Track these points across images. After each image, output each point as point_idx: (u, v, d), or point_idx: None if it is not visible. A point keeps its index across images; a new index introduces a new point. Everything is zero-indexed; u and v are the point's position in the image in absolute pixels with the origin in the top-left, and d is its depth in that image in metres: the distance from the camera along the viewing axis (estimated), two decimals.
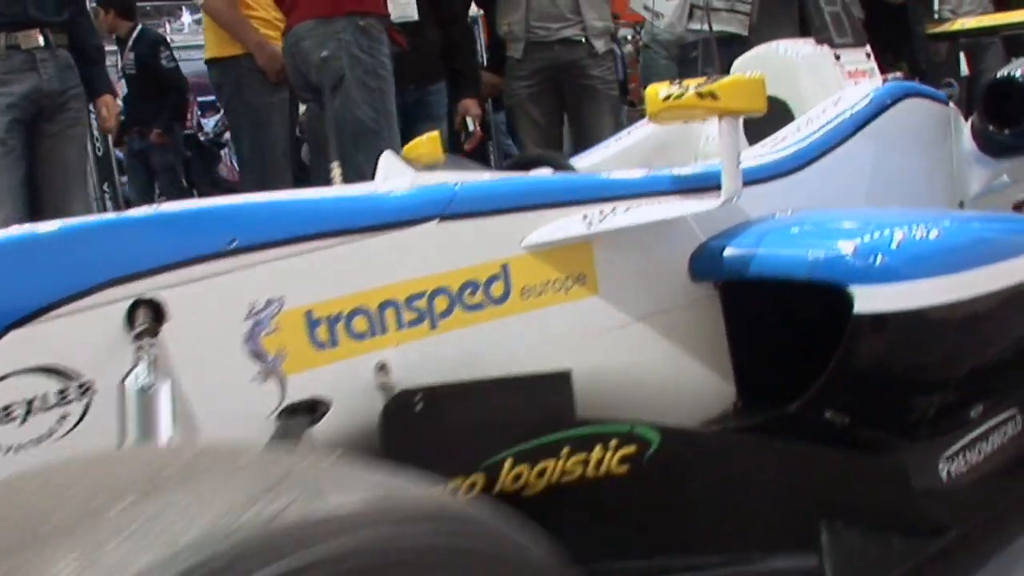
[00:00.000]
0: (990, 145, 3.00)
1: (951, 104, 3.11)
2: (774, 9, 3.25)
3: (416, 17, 4.90)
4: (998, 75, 2.92)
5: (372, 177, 3.29)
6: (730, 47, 5.31)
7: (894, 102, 2.85)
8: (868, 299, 2.00)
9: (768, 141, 2.67)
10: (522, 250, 2.09)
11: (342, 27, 4.04)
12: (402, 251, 1.98)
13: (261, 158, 4.77)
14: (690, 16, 5.32)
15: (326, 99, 4.22)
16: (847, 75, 3.12)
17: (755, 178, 2.45)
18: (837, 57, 3.12)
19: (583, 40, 5.12)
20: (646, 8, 5.63)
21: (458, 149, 5.35)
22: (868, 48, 3.25)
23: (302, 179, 5.62)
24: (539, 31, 5.15)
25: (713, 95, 2.06)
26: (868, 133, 2.75)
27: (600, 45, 5.15)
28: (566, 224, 2.12)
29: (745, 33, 5.41)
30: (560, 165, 2.74)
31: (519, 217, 2.10)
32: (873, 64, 3.24)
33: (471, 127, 5.20)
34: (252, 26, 4.66)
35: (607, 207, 2.17)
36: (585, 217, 2.14)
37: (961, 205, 3.08)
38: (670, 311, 2.27)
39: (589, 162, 3.19)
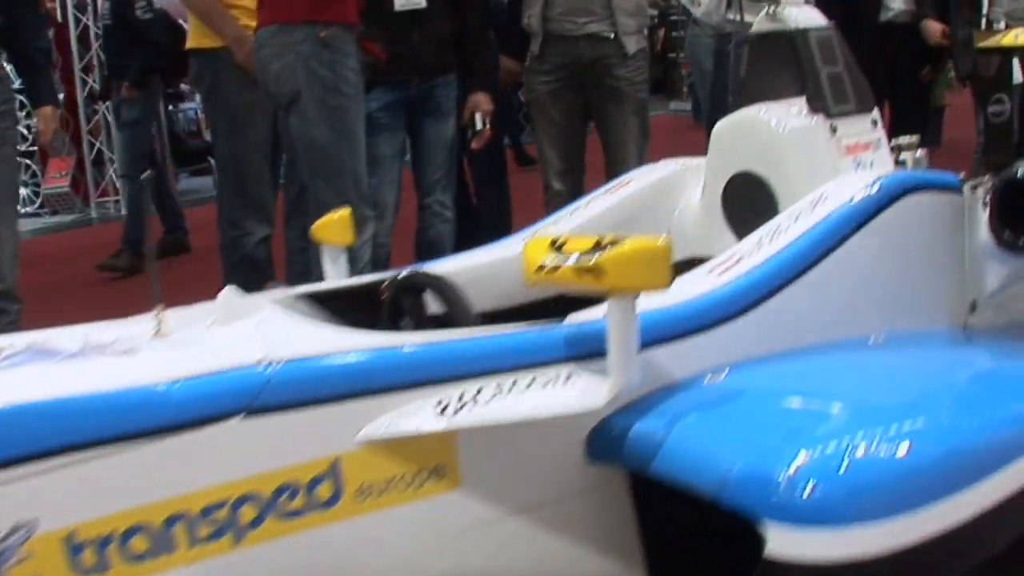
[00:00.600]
0: (1008, 245, 2.50)
1: (966, 189, 2.60)
2: (766, 58, 2.76)
3: (423, 4, 4.51)
4: (1017, 172, 2.40)
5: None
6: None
7: (891, 201, 2.37)
8: (785, 542, 1.57)
9: (722, 259, 2.21)
10: (357, 444, 1.69)
11: (300, 38, 3.64)
12: (194, 455, 1.60)
13: (238, 161, 4.39)
14: (728, 5, 4.77)
15: (281, 116, 3.89)
16: (845, 150, 2.64)
17: (691, 326, 2.01)
18: (834, 129, 2.63)
19: (612, 36, 4.61)
20: None
21: (466, 147, 4.92)
22: (875, 113, 2.75)
23: None
24: (565, 23, 4.64)
25: (597, 271, 1.63)
26: (853, 246, 2.28)
27: (631, 44, 4.62)
28: (415, 414, 1.72)
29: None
30: (447, 296, 2.30)
31: (354, 405, 1.70)
32: (880, 134, 2.74)
33: (479, 125, 4.75)
34: (231, 18, 4.25)
35: (471, 388, 1.76)
36: (440, 403, 1.73)
37: (973, 307, 2.59)
38: (561, 501, 1.86)
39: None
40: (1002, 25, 4.88)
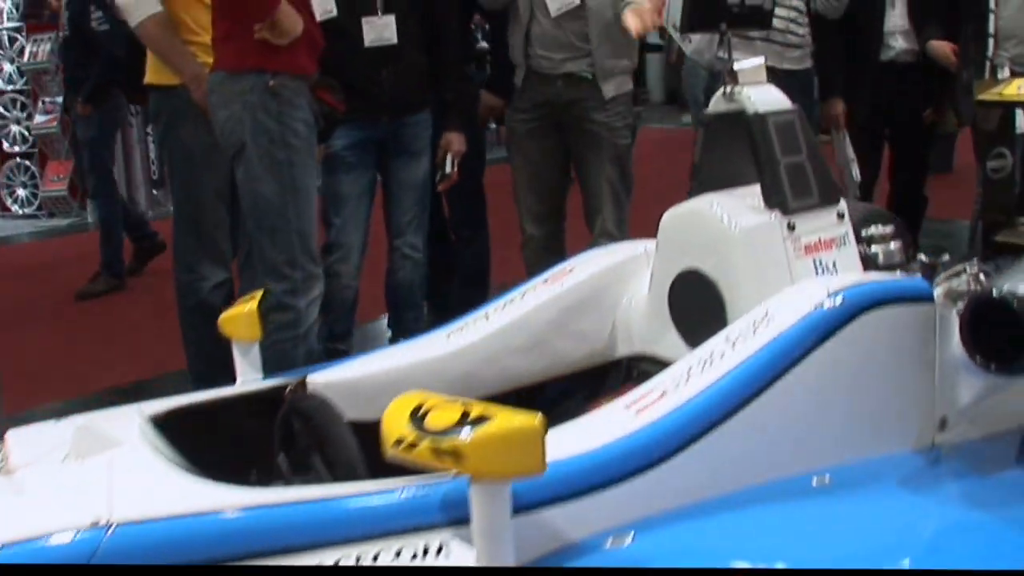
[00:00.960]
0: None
1: (938, 293, 2.34)
2: (723, 141, 2.51)
3: (395, 40, 4.30)
4: (991, 291, 2.14)
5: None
6: (783, 83, 4.57)
7: (851, 319, 2.11)
8: None
9: (643, 392, 1.96)
10: None
11: (248, 86, 3.42)
12: None
13: (194, 203, 4.18)
14: (720, 42, 4.50)
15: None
16: (803, 250, 2.37)
17: (598, 480, 1.77)
18: (791, 227, 2.37)
19: (590, 78, 4.35)
20: (674, 27, 4.82)
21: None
22: (842, 206, 2.48)
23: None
24: (543, 60, 4.40)
25: (458, 455, 1.39)
26: (802, 372, 2.03)
27: (610, 88, 4.34)
28: None
29: (782, 66, 4.64)
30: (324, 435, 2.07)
31: None
32: (845, 228, 2.48)
33: (448, 167, 4.52)
34: (189, 55, 4.02)
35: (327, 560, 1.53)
36: None
37: (943, 424, 2.33)
38: None
39: (464, 340, 2.52)
40: (1006, 72, 4.60)
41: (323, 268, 4.31)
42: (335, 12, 3.83)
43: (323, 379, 2.45)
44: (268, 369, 3.58)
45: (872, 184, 5.21)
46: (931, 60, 4.86)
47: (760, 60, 2.48)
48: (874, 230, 2.62)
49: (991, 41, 4.60)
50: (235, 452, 2.31)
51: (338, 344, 4.54)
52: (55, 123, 9.98)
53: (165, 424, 2.13)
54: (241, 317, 2.45)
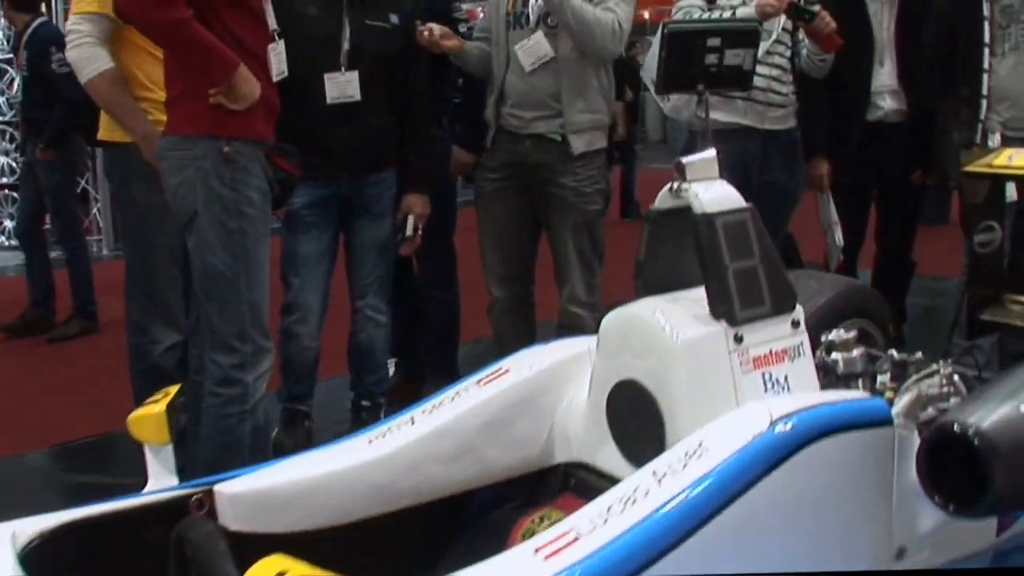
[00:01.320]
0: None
1: (899, 409, 2.16)
2: (670, 239, 2.33)
3: (358, 97, 4.14)
4: (952, 425, 1.94)
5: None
6: (744, 141, 4.39)
7: (795, 450, 1.92)
8: None
9: (555, 534, 1.77)
10: None
11: (202, 152, 3.27)
12: None
13: (146, 264, 4.02)
14: (699, 102, 4.33)
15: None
16: (752, 364, 2.18)
17: None
18: (739, 339, 2.18)
19: (559, 139, 4.16)
20: (652, 82, 4.65)
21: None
22: (798, 313, 2.29)
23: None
24: (512, 119, 4.22)
25: None
26: (739, 511, 1.84)
27: (579, 144, 4.14)
28: None
29: (763, 126, 4.49)
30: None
31: None
32: (800, 338, 2.30)
33: (409, 230, 4.34)
34: (140, 113, 3.86)
35: None
36: None
37: (901, 553, 2.14)
38: None
39: (385, 447, 2.34)
40: (997, 137, 4.40)
41: (282, 328, 4.20)
42: (286, 72, 3.66)
43: (232, 489, 2.28)
44: (212, 446, 3.47)
45: (858, 248, 5.00)
46: (921, 119, 4.65)
47: (711, 153, 2.29)
48: (835, 335, 2.44)
49: (983, 103, 4.41)
50: (131, 571, 2.14)
51: (298, 405, 4.41)
52: None
53: (42, 550, 1.95)
54: (149, 419, 2.28)
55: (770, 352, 2.23)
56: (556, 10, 4.00)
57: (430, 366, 4.99)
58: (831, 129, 4.79)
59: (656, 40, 4.42)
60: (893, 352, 2.87)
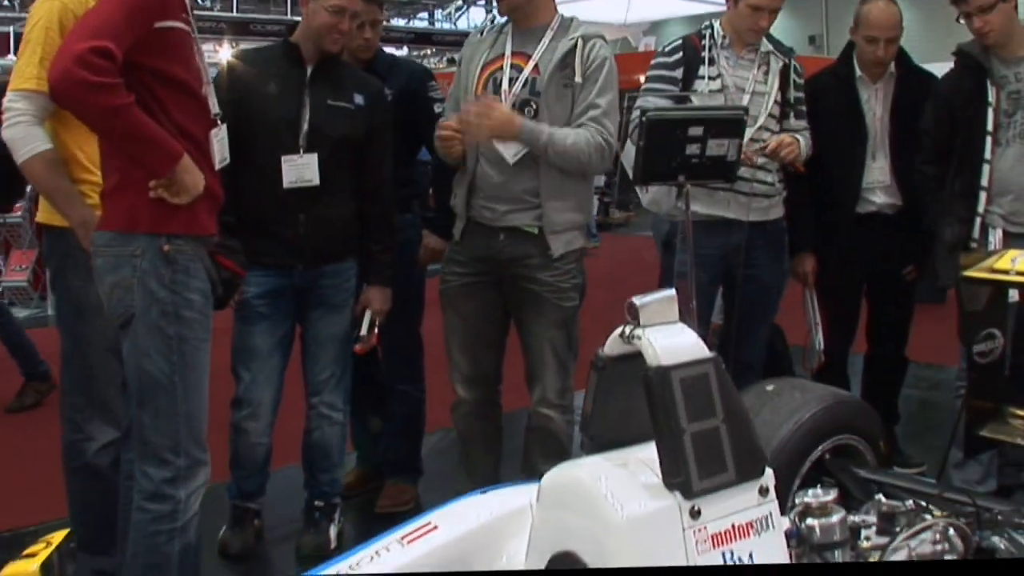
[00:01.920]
0: None
1: None
2: (621, 388, 2.04)
3: (316, 182, 3.91)
4: None
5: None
6: (727, 234, 4.15)
7: None
8: None
9: None
10: None
11: (140, 249, 3.06)
12: None
13: (83, 356, 3.76)
14: (679, 194, 4.08)
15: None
16: (710, 542, 1.89)
17: None
18: (696, 513, 1.89)
19: (536, 232, 3.87)
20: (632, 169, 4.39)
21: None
22: (767, 478, 2.00)
23: None
24: (485, 211, 3.92)
25: None
26: None
27: (558, 246, 3.84)
28: None
29: (764, 218, 4.27)
30: None
31: None
32: (770, 507, 2.01)
33: (363, 329, 4.08)
34: (77, 197, 3.59)
35: None
36: None
37: None
38: None
39: None
40: (999, 233, 4.10)
41: (232, 423, 4.01)
42: (229, 160, 3.41)
43: None
44: (138, 565, 3.20)
45: (847, 347, 4.73)
46: (914, 213, 4.38)
47: (670, 293, 2.00)
48: (811, 496, 2.15)
49: (983, 195, 4.12)
50: None
51: (248, 503, 4.20)
52: (20, 212, 9.65)
53: None
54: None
55: (733, 527, 1.95)
56: (541, 153, 3.75)
57: (392, 462, 4.70)
58: (819, 224, 4.53)
59: (631, 121, 4.21)
60: (880, 498, 2.60)
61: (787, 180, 4.44)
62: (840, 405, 3.29)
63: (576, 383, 3.98)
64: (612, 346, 2.05)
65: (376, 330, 4.11)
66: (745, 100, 4.19)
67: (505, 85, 3.84)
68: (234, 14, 13.71)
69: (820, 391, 3.35)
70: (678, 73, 4.27)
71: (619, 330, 2.01)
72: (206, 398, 3.28)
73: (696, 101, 4.10)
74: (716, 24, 4.33)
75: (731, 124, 3.77)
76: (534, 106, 3.80)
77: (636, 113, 4.13)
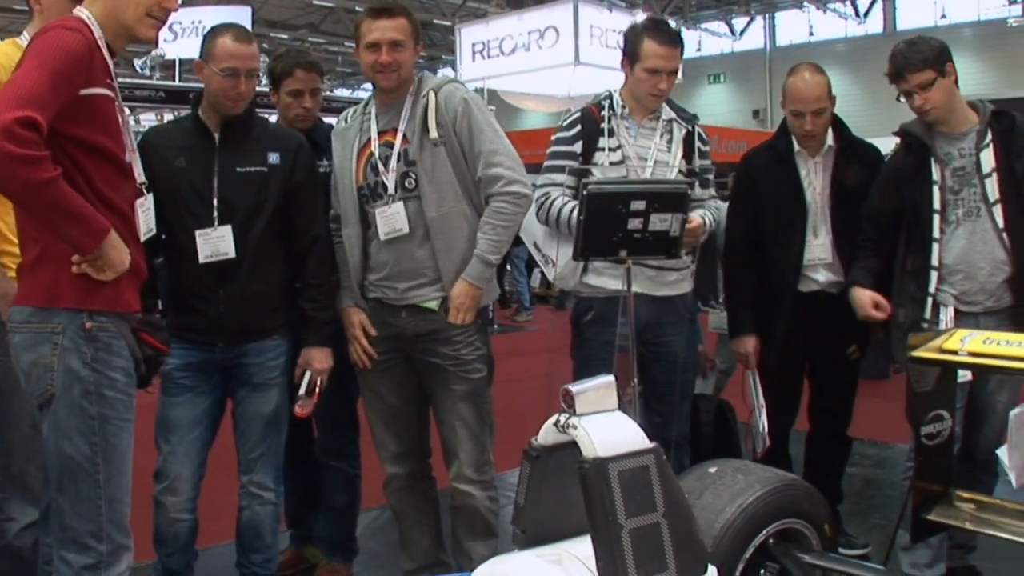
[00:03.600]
0: None
1: None
2: (555, 479, 1.94)
3: (232, 255, 3.79)
4: None
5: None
6: (636, 308, 4.04)
7: None
8: None
9: None
10: None
11: (61, 326, 2.95)
12: None
13: (1, 432, 3.57)
14: (584, 270, 4.05)
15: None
16: None
17: None
18: None
19: (435, 307, 3.83)
20: (536, 247, 4.34)
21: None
22: (711, 573, 1.90)
23: None
24: (385, 289, 3.89)
25: None
26: None
27: (472, 274, 3.79)
28: None
29: (672, 292, 4.25)
30: None
31: None
32: None
33: (302, 389, 3.94)
34: None
35: None
36: None
37: None
38: None
39: None
40: (950, 311, 4.04)
41: (153, 496, 3.86)
42: (155, 231, 3.31)
43: None
44: None
45: (789, 427, 4.66)
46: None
47: (609, 379, 1.90)
48: None
49: (934, 275, 4.06)
50: None
51: None
52: None
53: None
54: None
55: None
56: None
57: (326, 542, 4.56)
58: (761, 303, 4.47)
59: (535, 198, 4.13)
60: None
61: (725, 263, 4.41)
62: (784, 488, 3.23)
63: (505, 459, 3.92)
64: (546, 435, 1.95)
65: (318, 391, 3.95)
66: (648, 170, 4.13)
67: (381, 166, 3.83)
68: (176, 83, 13.59)
69: (764, 473, 3.28)
70: (577, 147, 4.19)
71: (554, 418, 1.92)
72: (129, 480, 3.16)
73: (596, 174, 4.02)
74: (615, 94, 4.25)
75: (674, 198, 3.71)
76: (413, 176, 3.78)
77: (542, 192, 4.15)
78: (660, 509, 1.85)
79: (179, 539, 3.92)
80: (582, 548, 1.88)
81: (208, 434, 3.95)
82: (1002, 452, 3.56)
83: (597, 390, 1.91)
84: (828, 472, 4.66)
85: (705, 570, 1.91)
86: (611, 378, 1.94)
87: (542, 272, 14.30)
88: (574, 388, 1.89)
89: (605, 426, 1.88)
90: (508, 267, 12.58)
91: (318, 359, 3.98)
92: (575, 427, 1.87)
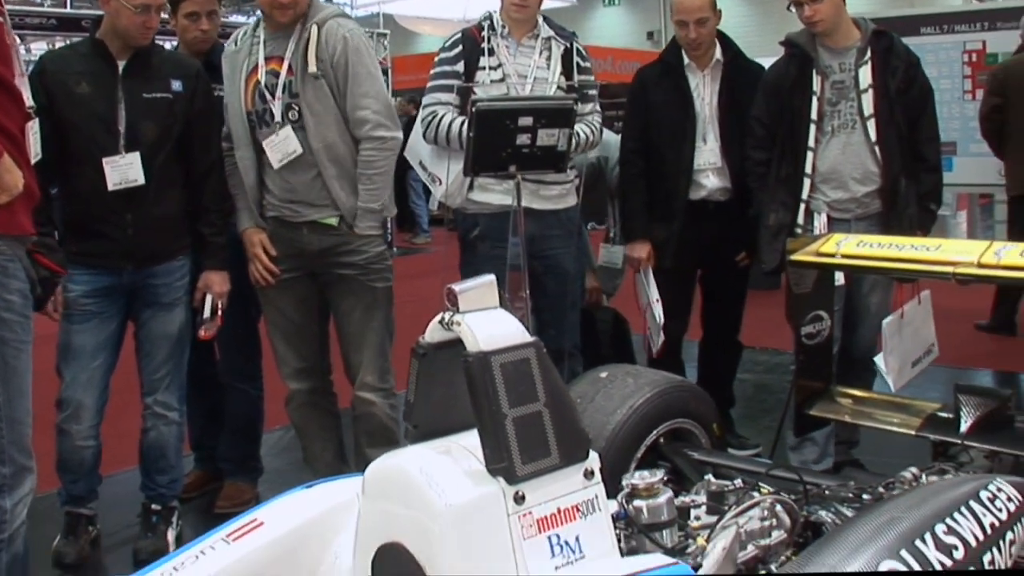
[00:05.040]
0: None
1: (711, 562, 1.89)
2: (443, 375, 2.02)
3: (141, 181, 3.80)
4: None
5: None
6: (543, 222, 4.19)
7: None
8: None
9: None
10: None
11: None
12: None
13: None
14: (471, 185, 4.13)
15: None
16: (536, 526, 1.89)
17: None
18: (520, 498, 1.88)
19: (336, 222, 3.91)
20: (421, 166, 4.40)
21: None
22: (592, 461, 2.01)
23: None
24: (283, 210, 3.96)
25: None
26: None
27: (365, 224, 3.90)
28: None
29: (556, 206, 4.30)
30: None
31: None
32: (596, 490, 2.01)
33: (206, 312, 3.99)
34: None
35: None
36: None
37: None
38: None
39: None
40: (823, 217, 4.21)
41: (56, 424, 3.86)
42: (41, 155, 3.29)
43: None
44: None
45: (682, 331, 4.79)
46: (746, 198, 4.46)
47: (489, 278, 1.99)
48: (638, 478, 2.16)
49: (807, 182, 4.22)
50: None
51: (80, 509, 4.05)
52: None
53: None
54: None
55: (558, 511, 1.94)
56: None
57: (230, 462, 4.61)
58: (652, 208, 4.59)
59: (420, 118, 4.24)
60: (710, 478, 2.63)
61: (620, 169, 4.51)
62: (673, 390, 3.32)
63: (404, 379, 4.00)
64: (432, 333, 2.03)
65: (220, 313, 4.01)
66: (527, 87, 4.20)
67: (267, 94, 3.86)
68: (67, 10, 13.17)
69: (653, 376, 3.38)
70: (459, 67, 4.25)
71: (439, 317, 1.99)
72: (29, 402, 3.14)
73: (479, 92, 4.06)
74: (495, 14, 4.31)
75: (560, 113, 3.77)
76: (297, 108, 3.83)
77: (428, 111, 4.20)
78: (541, 399, 1.94)
79: (84, 466, 3.94)
80: (469, 440, 1.97)
81: (111, 360, 3.96)
82: (879, 359, 3.71)
83: (479, 289, 1.98)
84: (720, 377, 4.82)
85: (587, 456, 2.00)
86: (492, 277, 2.02)
87: None
88: (456, 287, 1.96)
89: (487, 322, 1.96)
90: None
91: (217, 282, 4.02)
92: (459, 324, 1.94)
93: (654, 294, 4.55)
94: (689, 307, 4.82)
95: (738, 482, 2.54)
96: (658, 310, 4.53)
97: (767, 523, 2.35)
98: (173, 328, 3.99)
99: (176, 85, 3.90)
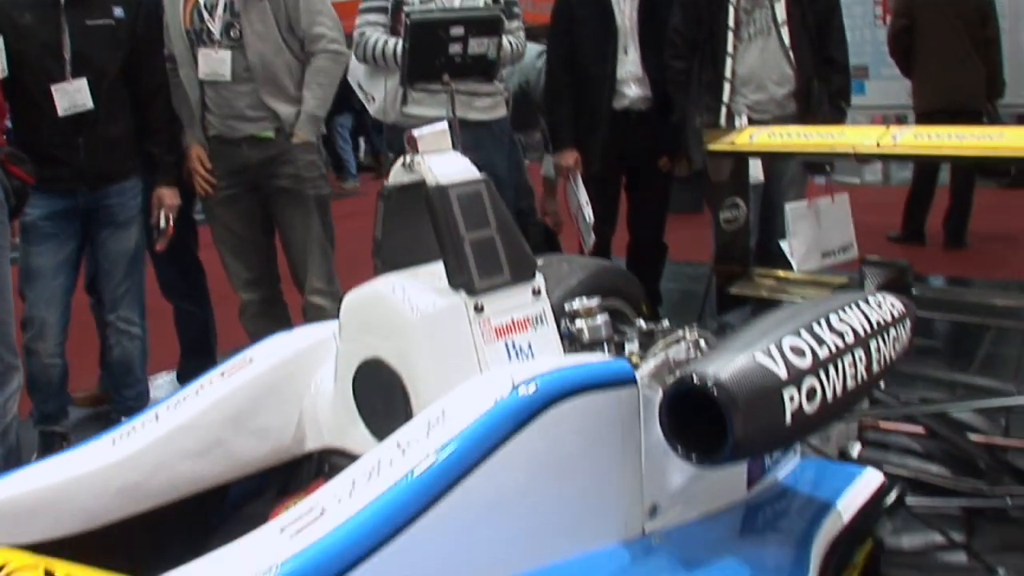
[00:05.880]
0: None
1: (644, 372, 2.17)
2: (407, 214, 2.30)
3: (90, 105, 4.00)
4: (691, 376, 1.95)
5: None
6: (476, 133, 4.40)
7: (539, 411, 1.91)
8: None
9: (301, 511, 1.71)
10: None
11: None
12: None
13: None
14: (404, 100, 4.37)
15: None
16: (495, 333, 2.17)
17: None
18: (479, 308, 2.17)
19: (272, 135, 4.21)
20: (359, 87, 4.64)
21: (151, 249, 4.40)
22: (538, 281, 2.30)
23: None
24: (221, 127, 4.24)
25: None
26: (483, 476, 1.82)
27: (303, 131, 4.19)
28: None
29: (487, 117, 4.56)
30: None
31: None
32: (542, 305, 2.30)
33: (163, 223, 4.23)
34: None
35: None
36: None
37: (654, 511, 2.16)
38: None
39: (130, 446, 2.23)
40: (744, 119, 4.57)
41: (23, 345, 4.00)
42: (7, 72, 3.48)
43: None
44: None
45: (610, 235, 5.11)
46: (666, 106, 4.77)
47: (443, 126, 2.26)
48: (577, 304, 2.45)
49: (727, 85, 4.57)
50: None
51: (53, 426, 4.23)
52: None
53: None
54: None
55: (512, 321, 2.22)
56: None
57: (187, 382, 4.80)
58: (579, 119, 4.87)
59: (354, 41, 4.49)
60: (641, 321, 2.91)
61: (546, 81, 4.78)
62: (602, 271, 3.56)
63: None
64: (396, 176, 2.29)
65: (171, 224, 4.25)
66: (456, 2, 4.44)
67: (206, 14, 4.10)
68: None
69: (585, 261, 3.63)
70: None
71: (401, 159, 2.26)
72: (11, 303, 3.34)
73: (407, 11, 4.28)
74: None
75: (490, 23, 4.03)
76: (238, 27, 4.07)
77: (358, 32, 4.46)
78: (493, 225, 2.22)
79: (52, 384, 4.13)
80: (434, 268, 2.25)
81: (70, 281, 4.16)
82: (784, 244, 4.05)
83: (434, 134, 2.25)
84: (647, 276, 5.13)
85: (534, 276, 2.30)
86: (445, 123, 2.30)
87: (369, 142, 14.13)
88: (416, 132, 2.24)
89: (443, 161, 2.23)
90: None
91: (168, 196, 4.26)
92: (420, 163, 2.22)
93: (583, 197, 4.83)
94: (615, 211, 5.12)
95: (665, 323, 2.80)
96: (588, 212, 4.81)
97: (693, 354, 2.63)
98: (130, 245, 4.20)
99: (118, 11, 4.08)
